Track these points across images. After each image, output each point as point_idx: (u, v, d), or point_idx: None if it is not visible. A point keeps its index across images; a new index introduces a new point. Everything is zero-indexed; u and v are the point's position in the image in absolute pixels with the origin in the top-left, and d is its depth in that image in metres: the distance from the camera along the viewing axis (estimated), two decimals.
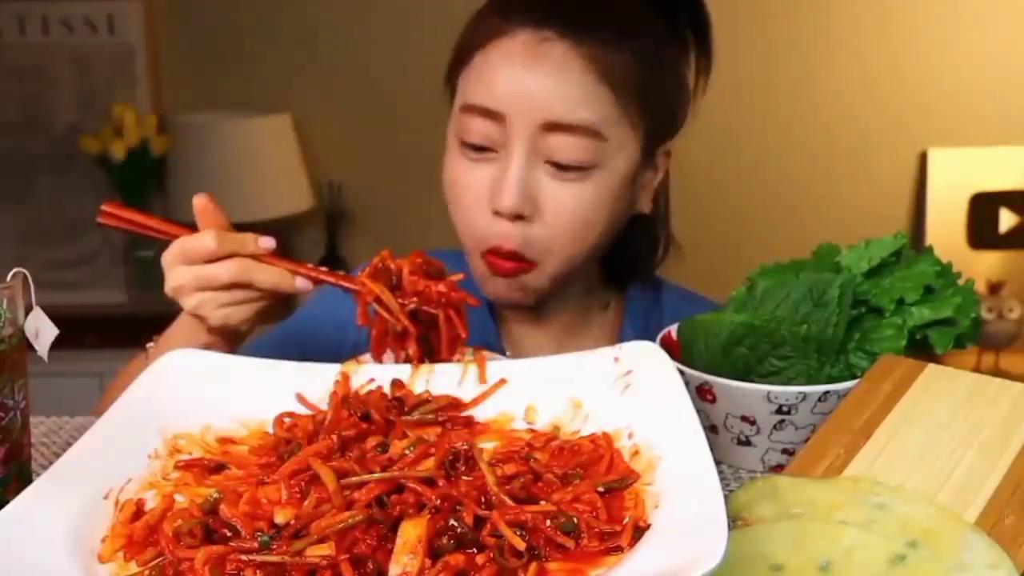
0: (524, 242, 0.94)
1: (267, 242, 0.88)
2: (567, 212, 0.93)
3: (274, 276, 0.86)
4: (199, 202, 0.88)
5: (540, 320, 1.07)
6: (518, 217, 0.93)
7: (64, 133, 2.63)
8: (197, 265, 0.86)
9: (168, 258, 0.88)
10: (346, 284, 0.86)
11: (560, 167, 0.92)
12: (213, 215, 0.88)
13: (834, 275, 0.81)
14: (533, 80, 0.91)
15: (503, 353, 1.00)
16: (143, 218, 0.90)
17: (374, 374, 0.81)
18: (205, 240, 0.85)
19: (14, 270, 0.72)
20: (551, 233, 0.94)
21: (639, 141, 0.96)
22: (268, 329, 1.10)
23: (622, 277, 1.10)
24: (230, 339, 0.91)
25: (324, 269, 0.89)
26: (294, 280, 0.87)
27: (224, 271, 0.85)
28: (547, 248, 0.95)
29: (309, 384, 0.80)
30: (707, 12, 1.04)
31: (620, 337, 1.06)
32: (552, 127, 0.91)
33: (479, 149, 0.94)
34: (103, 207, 0.91)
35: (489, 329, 1.05)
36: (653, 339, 0.87)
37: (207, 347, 0.89)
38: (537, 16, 0.92)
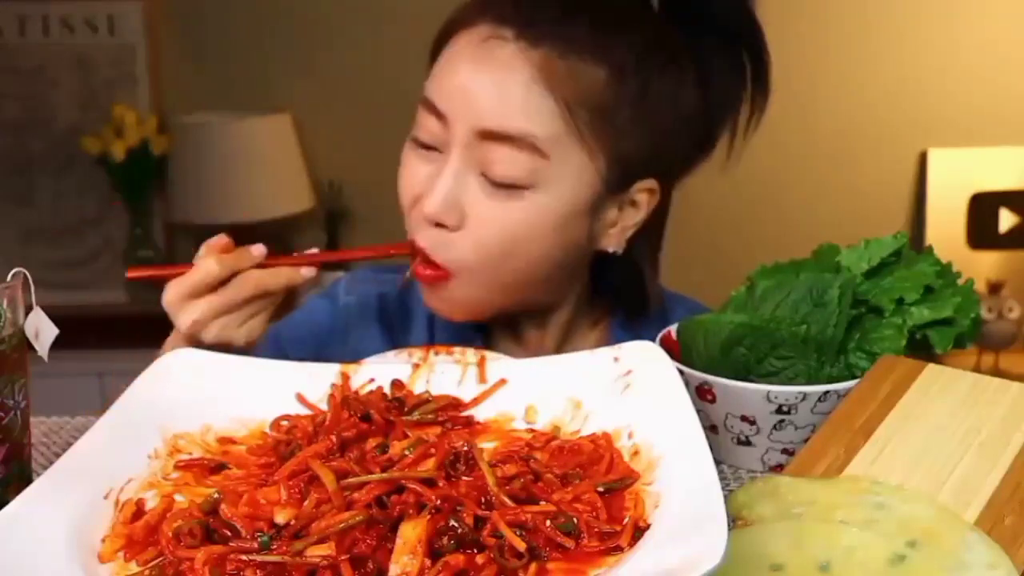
0: (440, 248, 0.89)
1: (259, 249, 0.88)
2: (493, 230, 0.87)
3: (284, 277, 0.87)
4: (220, 242, 0.88)
5: (521, 339, 1.02)
6: (438, 224, 0.88)
7: (64, 133, 2.63)
8: (208, 295, 0.85)
9: (172, 299, 0.86)
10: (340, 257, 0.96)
11: (494, 182, 0.86)
12: (241, 252, 0.88)
13: (834, 275, 0.81)
14: (474, 80, 0.85)
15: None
16: (168, 269, 0.90)
17: (374, 374, 0.81)
18: (209, 267, 0.85)
19: (14, 270, 0.72)
20: (473, 246, 0.88)
21: (599, 169, 0.87)
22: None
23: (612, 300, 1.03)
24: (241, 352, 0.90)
25: (316, 251, 0.93)
26: (300, 272, 0.88)
27: (241, 290, 0.85)
28: (463, 260, 0.89)
29: (309, 384, 0.80)
30: (758, 25, 0.92)
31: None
32: (489, 135, 0.85)
33: (425, 147, 0.90)
34: (128, 273, 0.94)
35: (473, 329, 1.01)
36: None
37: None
38: (501, 11, 0.86)
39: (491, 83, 0.84)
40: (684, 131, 0.92)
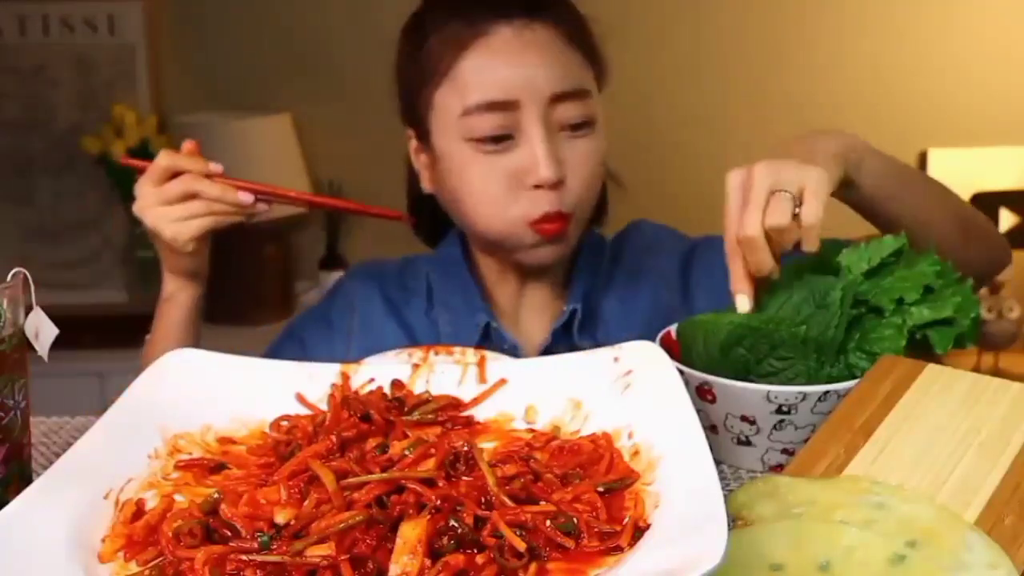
0: (565, 202, 1.02)
1: (216, 166, 1.02)
2: (589, 164, 1.03)
3: (218, 189, 1.00)
4: (187, 145, 1.03)
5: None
6: (558, 183, 1.01)
7: (64, 133, 2.63)
8: (153, 184, 1.00)
9: (138, 185, 1.02)
10: (290, 196, 1.06)
11: (574, 128, 1.02)
12: (194, 157, 1.02)
13: (836, 278, 0.81)
14: (531, 64, 1.00)
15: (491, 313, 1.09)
16: (149, 161, 1.03)
17: (374, 374, 0.81)
18: (159, 158, 1.01)
19: (14, 270, 0.72)
20: (580, 185, 1.03)
21: (600, 87, 1.08)
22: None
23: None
24: (190, 274, 1.07)
25: (272, 186, 1.05)
26: (237, 193, 1.01)
27: (175, 185, 1.00)
28: (578, 199, 1.03)
29: (309, 384, 0.80)
30: None
31: (575, 273, 1.12)
32: (557, 98, 1.01)
33: (496, 140, 1.01)
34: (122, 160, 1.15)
35: (471, 288, 1.12)
36: (609, 274, 1.11)
37: (176, 292, 1.07)
38: (507, 9, 1.01)
39: (545, 60, 1.01)
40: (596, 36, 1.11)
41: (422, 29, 1.05)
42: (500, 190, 1.02)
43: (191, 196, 1.00)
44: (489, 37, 1.00)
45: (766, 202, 0.81)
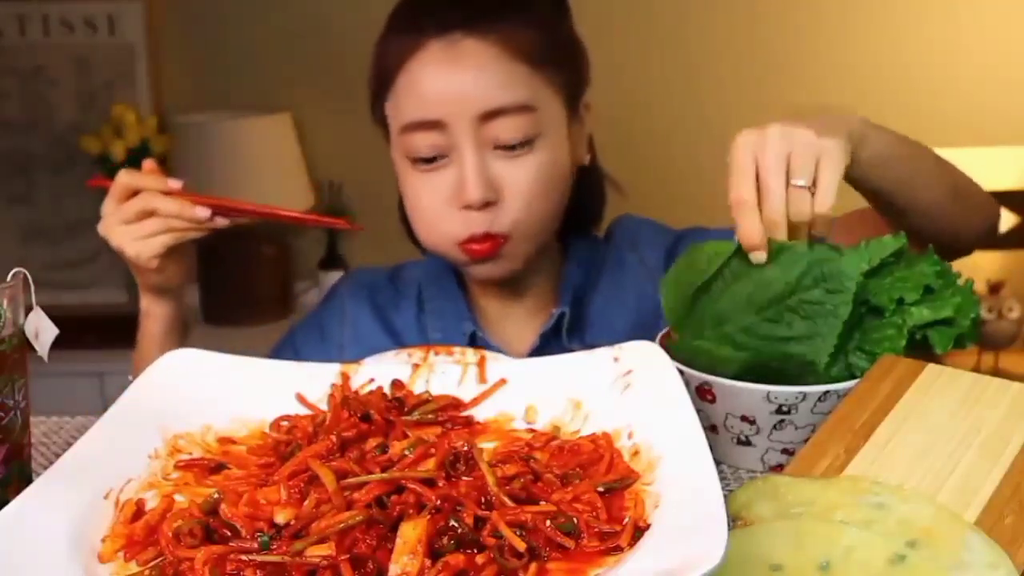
0: (495, 223, 0.99)
1: (175, 182, 1.01)
2: (527, 185, 0.99)
3: (175, 205, 0.99)
4: (146, 164, 1.03)
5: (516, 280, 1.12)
6: (486, 205, 0.98)
7: (64, 133, 2.63)
8: (115, 204, 1.00)
9: (104, 204, 1.01)
10: (247, 209, 1.02)
11: (508, 147, 0.98)
12: (153, 174, 1.02)
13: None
14: (458, 79, 0.97)
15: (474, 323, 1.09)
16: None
17: (374, 374, 0.81)
18: (119, 178, 1.00)
19: (14, 270, 0.72)
20: (519, 205, 1.00)
21: (561, 101, 1.03)
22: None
23: (571, 229, 1.14)
24: (160, 290, 1.07)
25: (229, 200, 1.03)
26: (194, 209, 0.99)
27: (134, 203, 0.99)
28: (515, 220, 1.00)
29: (309, 384, 0.80)
30: None
31: (564, 277, 1.12)
32: (489, 115, 0.97)
33: (429, 160, 0.99)
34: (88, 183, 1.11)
35: (458, 296, 1.12)
36: (600, 275, 1.10)
37: (150, 307, 1.08)
38: (442, 22, 0.98)
39: (473, 75, 0.97)
40: (583, 51, 1.09)
41: (380, 42, 1.04)
42: (434, 208, 1.00)
43: (149, 213, 0.99)
44: (422, 52, 0.98)
45: (784, 166, 0.79)
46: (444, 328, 1.10)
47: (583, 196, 1.11)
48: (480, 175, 0.97)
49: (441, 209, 1.00)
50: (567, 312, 1.08)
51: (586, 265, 1.13)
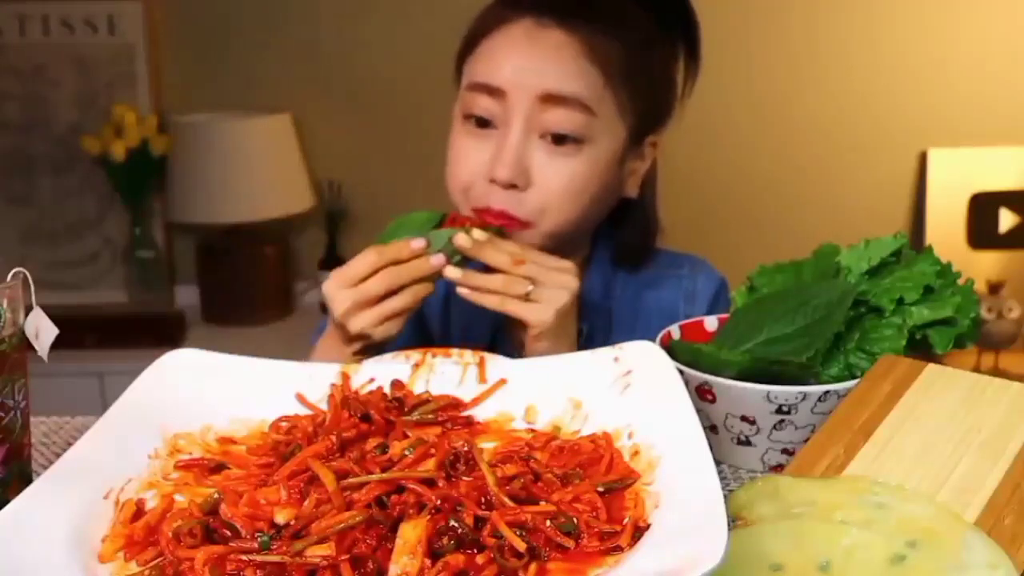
0: (516, 206, 1.01)
1: (418, 243, 0.95)
2: (560, 181, 1.01)
3: (416, 269, 0.94)
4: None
5: None
6: (511, 186, 1.00)
7: (64, 133, 2.62)
8: (354, 287, 0.93)
9: (330, 287, 0.94)
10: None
11: (555, 139, 1.00)
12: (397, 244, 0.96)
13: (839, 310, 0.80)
14: (532, 58, 1.00)
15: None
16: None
17: (374, 374, 0.81)
18: (367, 255, 0.93)
19: (14, 270, 0.72)
20: (544, 198, 1.01)
21: (626, 126, 1.04)
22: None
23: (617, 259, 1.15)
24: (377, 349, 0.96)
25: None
26: (429, 260, 0.94)
27: (376, 283, 0.93)
28: (541, 209, 1.01)
29: (309, 384, 0.80)
30: (695, 17, 1.11)
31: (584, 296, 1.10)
32: (548, 99, 0.99)
33: (482, 124, 1.02)
34: None
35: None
36: (612, 291, 1.10)
37: (336, 345, 0.97)
38: (539, 7, 1.02)
39: (547, 57, 1.00)
40: (672, 94, 1.10)
41: (485, 8, 1.07)
42: (469, 169, 1.03)
43: (397, 290, 0.94)
44: (511, 25, 1.02)
45: None
46: (467, 327, 1.11)
47: (626, 229, 1.13)
48: (516, 155, 0.99)
49: (474, 172, 1.02)
50: (584, 328, 1.05)
51: (605, 277, 1.13)
